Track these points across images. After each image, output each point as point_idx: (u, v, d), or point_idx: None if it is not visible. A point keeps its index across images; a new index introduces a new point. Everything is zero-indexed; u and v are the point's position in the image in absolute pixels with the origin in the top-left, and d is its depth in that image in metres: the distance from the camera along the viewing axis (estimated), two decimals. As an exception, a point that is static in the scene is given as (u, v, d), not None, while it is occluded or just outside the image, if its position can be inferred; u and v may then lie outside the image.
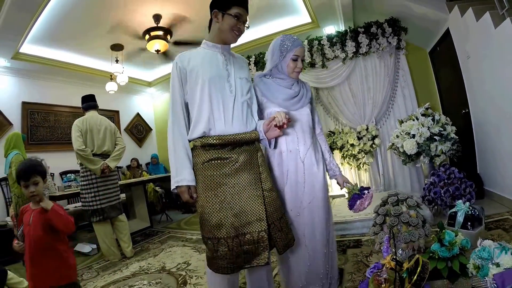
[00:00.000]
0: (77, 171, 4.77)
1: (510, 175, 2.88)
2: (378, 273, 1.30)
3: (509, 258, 1.43)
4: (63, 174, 5.10)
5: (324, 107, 4.91)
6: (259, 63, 4.93)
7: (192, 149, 1.54)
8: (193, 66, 1.52)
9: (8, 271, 2.20)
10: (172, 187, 1.49)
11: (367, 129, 4.40)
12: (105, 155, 3.22)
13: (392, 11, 4.16)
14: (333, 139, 4.55)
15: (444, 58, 4.19)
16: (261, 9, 4.21)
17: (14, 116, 4.76)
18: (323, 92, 4.80)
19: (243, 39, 4.91)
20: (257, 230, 1.44)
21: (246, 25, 1.58)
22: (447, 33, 3.81)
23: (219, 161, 1.48)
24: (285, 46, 1.72)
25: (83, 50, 4.88)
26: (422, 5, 3.74)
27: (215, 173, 1.46)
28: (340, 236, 2.94)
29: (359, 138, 4.41)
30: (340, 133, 4.58)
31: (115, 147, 3.34)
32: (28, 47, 4.34)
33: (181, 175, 1.47)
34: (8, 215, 4.15)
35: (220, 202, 1.44)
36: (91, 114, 3.27)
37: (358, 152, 4.41)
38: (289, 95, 1.75)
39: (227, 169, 1.47)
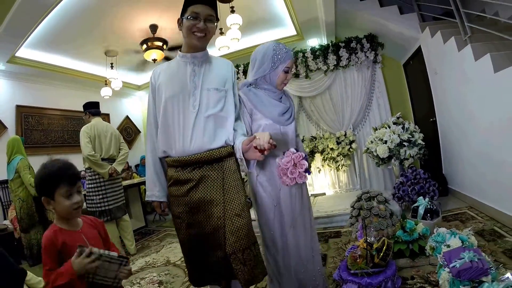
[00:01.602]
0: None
1: (469, 176, 3.26)
2: (354, 252, 1.69)
3: (457, 241, 1.84)
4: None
5: (306, 114, 5.29)
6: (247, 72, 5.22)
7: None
8: (160, 83, 1.47)
9: (28, 272, 2.07)
10: (146, 199, 1.55)
11: (345, 134, 4.81)
12: (111, 159, 3.37)
13: (371, 28, 4.55)
14: (315, 144, 4.93)
15: (416, 72, 4.52)
16: (252, 21, 4.44)
17: (9, 119, 4.76)
18: (306, 100, 5.19)
19: (232, 48, 5.18)
20: (215, 255, 1.37)
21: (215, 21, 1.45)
22: (419, 50, 4.12)
23: (178, 186, 1.42)
24: (279, 57, 1.59)
25: (78, 55, 4.87)
26: (398, 24, 4.12)
27: (176, 195, 1.44)
28: (322, 229, 3.32)
29: (338, 143, 4.81)
30: (321, 138, 4.96)
31: (119, 152, 3.50)
32: (24, 51, 4.30)
33: (151, 191, 1.51)
34: (5, 219, 4.14)
35: (181, 223, 1.44)
36: (97, 120, 3.40)
37: (337, 155, 4.81)
38: (282, 110, 1.65)
39: (185, 192, 1.40)
